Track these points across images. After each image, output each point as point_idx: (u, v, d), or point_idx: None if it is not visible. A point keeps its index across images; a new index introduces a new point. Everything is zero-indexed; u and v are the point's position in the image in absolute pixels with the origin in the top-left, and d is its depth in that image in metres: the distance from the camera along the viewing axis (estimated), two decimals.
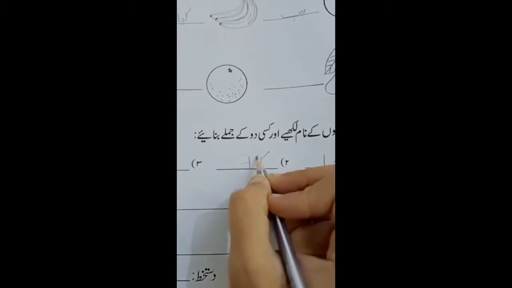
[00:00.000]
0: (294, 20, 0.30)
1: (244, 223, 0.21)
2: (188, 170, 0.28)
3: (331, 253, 0.21)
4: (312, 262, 0.21)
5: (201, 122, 0.29)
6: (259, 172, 0.27)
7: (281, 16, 0.30)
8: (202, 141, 0.29)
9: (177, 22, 0.29)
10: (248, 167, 0.29)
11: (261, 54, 0.30)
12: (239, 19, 0.30)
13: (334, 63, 0.29)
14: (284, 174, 0.26)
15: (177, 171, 0.28)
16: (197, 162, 0.29)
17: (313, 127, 0.29)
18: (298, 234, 0.24)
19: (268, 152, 0.29)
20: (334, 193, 0.21)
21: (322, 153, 0.29)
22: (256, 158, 0.28)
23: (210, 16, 0.29)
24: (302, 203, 0.23)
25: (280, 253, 0.22)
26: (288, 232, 0.24)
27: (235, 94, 0.30)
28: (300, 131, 0.29)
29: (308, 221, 0.25)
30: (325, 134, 0.29)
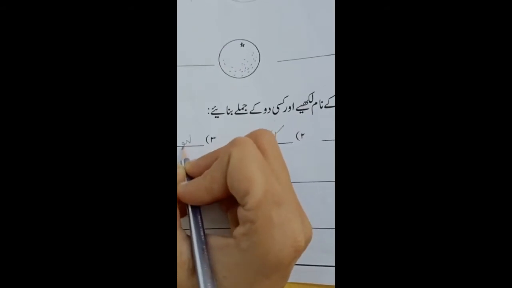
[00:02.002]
0: None
1: None
2: (203, 145, 0.28)
3: (234, 230, 0.21)
4: (216, 240, 0.22)
5: (214, 98, 0.29)
6: (181, 161, 0.27)
7: None
8: (215, 117, 0.29)
9: None
10: None
11: (273, 26, 0.29)
12: None
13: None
14: (198, 159, 0.25)
15: (192, 147, 0.28)
16: (211, 138, 0.28)
17: (330, 98, 0.28)
18: (228, 217, 0.25)
19: (283, 126, 0.28)
20: (226, 171, 0.21)
21: None
22: (182, 147, 0.28)
23: None
24: (199, 188, 0.23)
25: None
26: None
27: (247, 68, 0.29)
28: (316, 103, 0.28)
29: (235, 203, 0.23)
30: None
